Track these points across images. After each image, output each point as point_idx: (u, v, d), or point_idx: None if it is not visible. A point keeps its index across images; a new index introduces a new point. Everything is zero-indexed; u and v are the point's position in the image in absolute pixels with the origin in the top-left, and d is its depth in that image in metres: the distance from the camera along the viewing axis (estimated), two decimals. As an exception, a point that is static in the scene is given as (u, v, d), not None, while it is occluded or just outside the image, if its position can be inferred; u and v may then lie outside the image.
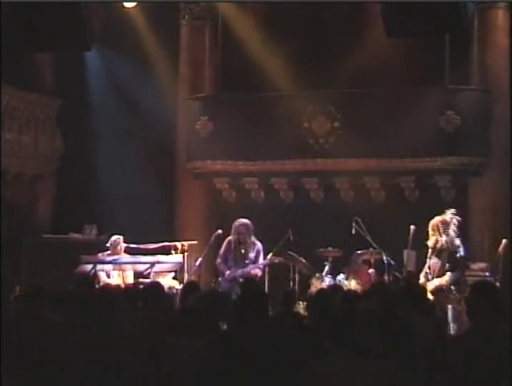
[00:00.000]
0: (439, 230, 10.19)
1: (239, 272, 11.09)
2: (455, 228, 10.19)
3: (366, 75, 13.00)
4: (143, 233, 11.94)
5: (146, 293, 6.97)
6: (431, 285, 9.95)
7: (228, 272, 11.15)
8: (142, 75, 13.81)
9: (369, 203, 12.92)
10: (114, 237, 11.64)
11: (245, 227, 11.22)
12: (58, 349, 5.41)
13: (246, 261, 11.20)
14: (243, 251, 11.24)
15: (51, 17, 8.36)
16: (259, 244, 11.30)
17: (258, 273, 11.20)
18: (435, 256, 10.17)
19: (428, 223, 10.78)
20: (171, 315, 6.64)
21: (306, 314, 7.96)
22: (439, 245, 10.13)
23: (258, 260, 11.26)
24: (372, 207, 12.78)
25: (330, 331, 5.30)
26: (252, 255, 11.22)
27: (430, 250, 10.23)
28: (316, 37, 13.64)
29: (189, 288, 7.68)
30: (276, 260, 11.33)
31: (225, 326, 5.93)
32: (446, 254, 10.14)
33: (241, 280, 10.81)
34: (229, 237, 11.39)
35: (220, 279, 11.31)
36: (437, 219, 10.27)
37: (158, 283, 7.58)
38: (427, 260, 10.21)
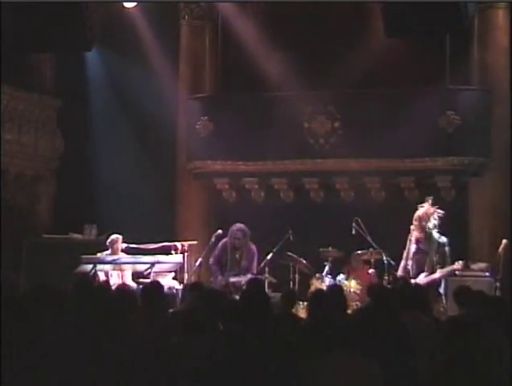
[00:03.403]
0: (421, 223, 10.36)
1: (231, 280, 11.10)
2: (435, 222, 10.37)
3: (366, 75, 12.99)
4: (143, 233, 11.94)
5: (145, 292, 6.97)
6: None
7: (219, 278, 11.17)
8: (142, 75, 13.81)
9: (369, 203, 12.92)
10: (113, 236, 11.66)
11: (242, 232, 11.21)
12: (58, 349, 5.41)
13: (240, 267, 11.20)
14: (238, 256, 11.26)
15: (51, 17, 8.36)
16: (254, 250, 11.28)
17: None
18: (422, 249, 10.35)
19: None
20: (171, 315, 6.64)
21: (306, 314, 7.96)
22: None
23: (252, 266, 11.24)
24: (372, 207, 12.78)
25: (330, 331, 5.28)
26: (246, 261, 11.22)
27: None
28: (316, 37, 13.65)
29: (194, 288, 7.69)
30: (264, 278, 11.27)
31: (225, 327, 5.92)
32: (435, 248, 10.32)
33: (233, 288, 10.84)
34: (225, 239, 11.38)
35: (212, 280, 11.33)
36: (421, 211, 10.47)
37: (157, 282, 7.58)
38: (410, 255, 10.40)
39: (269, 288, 11.19)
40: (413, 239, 10.48)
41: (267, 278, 11.30)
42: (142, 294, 6.98)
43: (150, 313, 6.61)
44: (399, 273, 10.58)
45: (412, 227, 10.43)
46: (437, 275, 10.29)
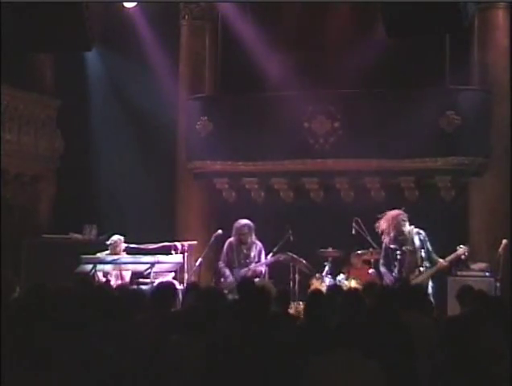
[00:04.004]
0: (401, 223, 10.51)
1: (242, 271, 11.10)
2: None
3: (366, 76, 12.99)
4: (143, 233, 11.94)
5: (159, 292, 6.95)
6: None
7: (230, 279, 11.13)
8: (142, 75, 13.80)
9: (369, 203, 12.91)
10: (115, 238, 11.65)
11: (247, 227, 11.24)
12: (58, 349, 5.41)
13: (248, 261, 11.22)
14: (245, 251, 11.26)
15: (51, 17, 8.36)
16: (260, 244, 11.33)
17: (262, 270, 11.25)
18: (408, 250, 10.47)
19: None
20: (171, 315, 6.64)
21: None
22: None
23: (261, 260, 11.30)
24: (372, 207, 12.76)
25: (328, 331, 5.29)
26: (254, 255, 11.25)
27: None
28: (316, 37, 13.64)
29: (190, 288, 7.69)
30: (281, 258, 11.32)
31: (225, 326, 5.92)
32: (418, 245, 10.47)
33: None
34: (230, 239, 11.39)
35: (222, 280, 11.31)
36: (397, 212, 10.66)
37: (172, 283, 7.58)
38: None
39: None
40: (395, 245, 10.58)
41: (282, 256, 11.33)
42: (153, 294, 6.96)
43: (160, 313, 6.60)
44: (387, 279, 10.63)
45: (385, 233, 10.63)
46: (445, 263, 10.47)
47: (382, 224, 10.81)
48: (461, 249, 10.65)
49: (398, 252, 10.59)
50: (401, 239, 10.62)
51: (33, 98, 14.40)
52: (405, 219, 10.66)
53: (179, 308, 7.67)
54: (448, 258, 10.64)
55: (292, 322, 6.84)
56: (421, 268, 10.51)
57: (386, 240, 10.76)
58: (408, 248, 10.56)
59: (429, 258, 10.55)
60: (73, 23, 8.44)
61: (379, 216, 10.94)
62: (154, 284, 9.30)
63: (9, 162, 13.64)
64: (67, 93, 14.61)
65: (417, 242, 10.57)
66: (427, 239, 10.61)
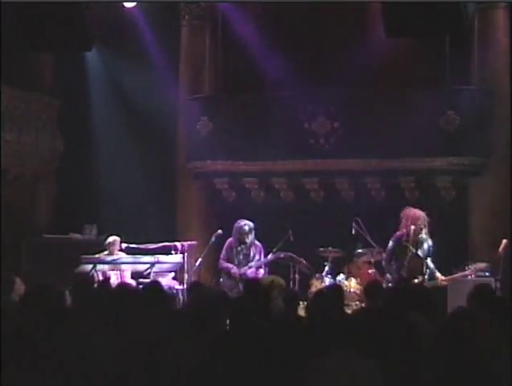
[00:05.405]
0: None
1: (243, 270, 11.09)
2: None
3: (366, 75, 13.00)
4: (143, 233, 11.94)
5: (145, 292, 6.96)
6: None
7: (234, 269, 11.10)
8: (142, 75, 13.81)
9: (369, 203, 12.92)
10: (111, 238, 11.64)
11: (249, 226, 11.23)
12: (57, 348, 5.41)
13: (248, 261, 11.21)
14: (245, 251, 11.25)
15: (51, 17, 8.36)
16: (260, 245, 11.32)
17: (262, 269, 11.25)
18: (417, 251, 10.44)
19: (428, 223, 10.85)
20: (171, 315, 6.63)
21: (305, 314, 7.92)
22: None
23: (260, 260, 11.29)
24: (372, 207, 12.78)
25: (330, 331, 5.28)
26: (254, 255, 11.24)
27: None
28: (316, 37, 13.65)
29: (193, 288, 7.68)
30: (282, 255, 11.32)
31: (226, 326, 5.92)
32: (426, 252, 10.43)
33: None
34: (230, 239, 11.38)
35: (222, 279, 11.31)
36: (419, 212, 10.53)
37: (157, 282, 7.57)
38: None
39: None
40: (407, 244, 10.46)
41: (282, 254, 11.35)
42: (144, 294, 6.97)
43: (150, 313, 6.60)
44: (389, 276, 10.58)
45: (403, 232, 10.51)
46: (448, 280, 10.44)
47: (404, 218, 10.63)
48: (469, 270, 10.61)
49: (413, 252, 10.50)
50: (411, 240, 10.49)
51: (33, 98, 14.40)
52: (422, 225, 10.47)
53: (180, 308, 7.68)
54: (454, 276, 10.56)
55: (295, 322, 6.82)
56: (425, 277, 10.43)
57: (398, 233, 10.61)
58: (414, 251, 10.48)
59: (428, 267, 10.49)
60: (73, 23, 8.45)
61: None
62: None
63: (9, 162, 13.65)
64: (67, 93, 14.61)
65: (426, 250, 10.48)
66: (432, 249, 10.53)
